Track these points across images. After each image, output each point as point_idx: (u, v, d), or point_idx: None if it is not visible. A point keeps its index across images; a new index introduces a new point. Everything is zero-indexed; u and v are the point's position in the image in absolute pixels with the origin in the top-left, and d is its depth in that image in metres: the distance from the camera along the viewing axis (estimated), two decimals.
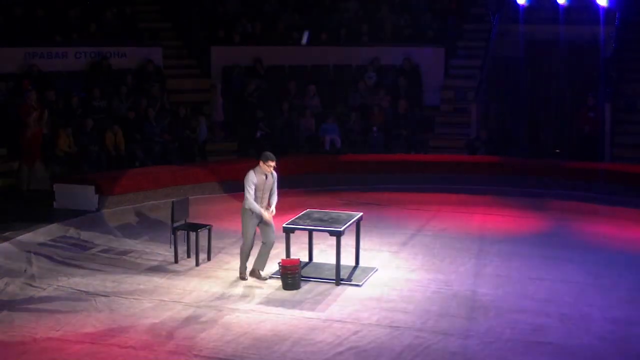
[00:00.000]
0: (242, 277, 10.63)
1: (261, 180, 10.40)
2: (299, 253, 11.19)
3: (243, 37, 20.86)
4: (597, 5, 18.74)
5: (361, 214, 11.39)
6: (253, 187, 10.31)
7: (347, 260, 11.08)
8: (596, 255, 11.88)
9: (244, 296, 10.05)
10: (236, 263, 11.23)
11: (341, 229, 10.49)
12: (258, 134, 18.61)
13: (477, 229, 13.41)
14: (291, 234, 10.69)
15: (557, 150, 18.36)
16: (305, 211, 11.39)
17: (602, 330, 8.97)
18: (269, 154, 10.56)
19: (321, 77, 20.20)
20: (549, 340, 8.70)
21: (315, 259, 11.34)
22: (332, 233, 10.52)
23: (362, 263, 11.20)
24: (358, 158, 17.85)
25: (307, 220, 10.93)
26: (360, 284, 10.48)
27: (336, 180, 16.73)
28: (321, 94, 19.76)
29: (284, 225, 10.72)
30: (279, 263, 10.49)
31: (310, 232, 11.04)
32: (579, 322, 9.19)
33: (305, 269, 10.94)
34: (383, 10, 21.26)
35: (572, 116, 18.92)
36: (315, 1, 21.60)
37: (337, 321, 9.20)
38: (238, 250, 11.83)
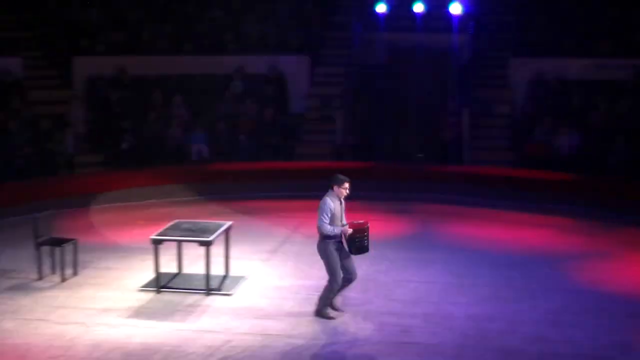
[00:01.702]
0: (330, 317, 9.63)
1: (337, 207, 9.41)
2: (169, 264, 11.12)
3: (106, 47, 20.52)
4: (451, 15, 19.45)
5: (230, 222, 11.42)
6: (329, 215, 9.29)
7: (217, 270, 11.06)
8: (458, 256, 12.35)
9: (112, 310, 9.88)
10: (104, 277, 11.07)
11: (210, 239, 10.50)
12: (124, 145, 18.33)
13: None
14: (159, 246, 10.59)
15: (420, 155, 18.92)
16: (174, 222, 11.32)
17: (465, 327, 9.34)
18: (341, 176, 9.48)
19: (187, 87, 20.08)
20: (415, 340, 8.99)
21: (185, 270, 11.28)
22: (201, 243, 10.51)
23: (232, 272, 11.23)
24: (226, 167, 17.87)
25: (176, 231, 10.88)
26: (230, 293, 10.52)
27: (205, 189, 16.70)
28: (188, 104, 19.67)
29: (152, 236, 10.63)
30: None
31: (179, 242, 10.99)
32: (442, 321, 9.53)
33: (175, 280, 10.91)
34: (247, 18, 21.35)
35: (433, 121, 19.54)
36: (179, 10, 21.47)
37: (209, 332, 9.20)
38: (106, 264, 11.71)
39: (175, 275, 11.08)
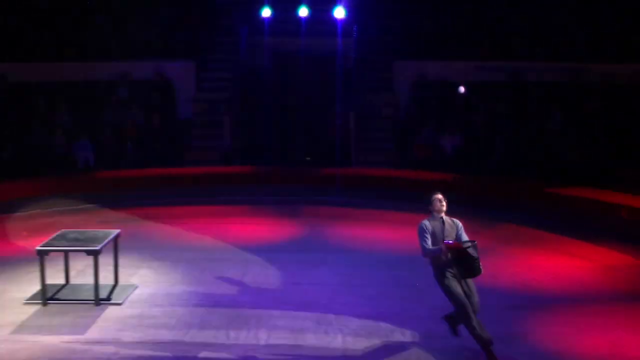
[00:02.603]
0: (490, 342, 8.65)
1: (437, 226, 8.85)
2: (56, 275, 10.90)
3: None
4: (335, 19, 19.76)
5: (118, 231, 11.29)
6: (428, 235, 8.75)
7: (107, 279, 10.92)
8: (348, 257, 12.57)
9: None
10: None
11: (98, 248, 10.36)
12: (5, 155, 17.82)
13: (235, 239, 13.70)
14: (46, 257, 10.37)
15: (308, 158, 19.13)
16: (60, 232, 11.12)
17: (355, 327, 9.51)
18: (432, 195, 9.07)
19: (71, 94, 19.69)
20: (306, 342, 9.10)
21: (72, 281, 11.09)
22: (89, 252, 10.37)
23: (121, 281, 11.11)
24: (113, 175, 17.62)
25: (63, 241, 10.69)
26: (120, 302, 10.40)
27: (91, 198, 16.42)
28: (72, 111, 19.28)
29: (37, 247, 10.40)
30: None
31: (66, 252, 10.80)
32: (333, 322, 9.68)
33: (63, 291, 10.71)
34: (131, 24, 21.09)
35: (320, 124, 19.80)
36: (61, 15, 21.01)
37: (98, 343, 9.07)
38: None
39: (62, 287, 10.87)
